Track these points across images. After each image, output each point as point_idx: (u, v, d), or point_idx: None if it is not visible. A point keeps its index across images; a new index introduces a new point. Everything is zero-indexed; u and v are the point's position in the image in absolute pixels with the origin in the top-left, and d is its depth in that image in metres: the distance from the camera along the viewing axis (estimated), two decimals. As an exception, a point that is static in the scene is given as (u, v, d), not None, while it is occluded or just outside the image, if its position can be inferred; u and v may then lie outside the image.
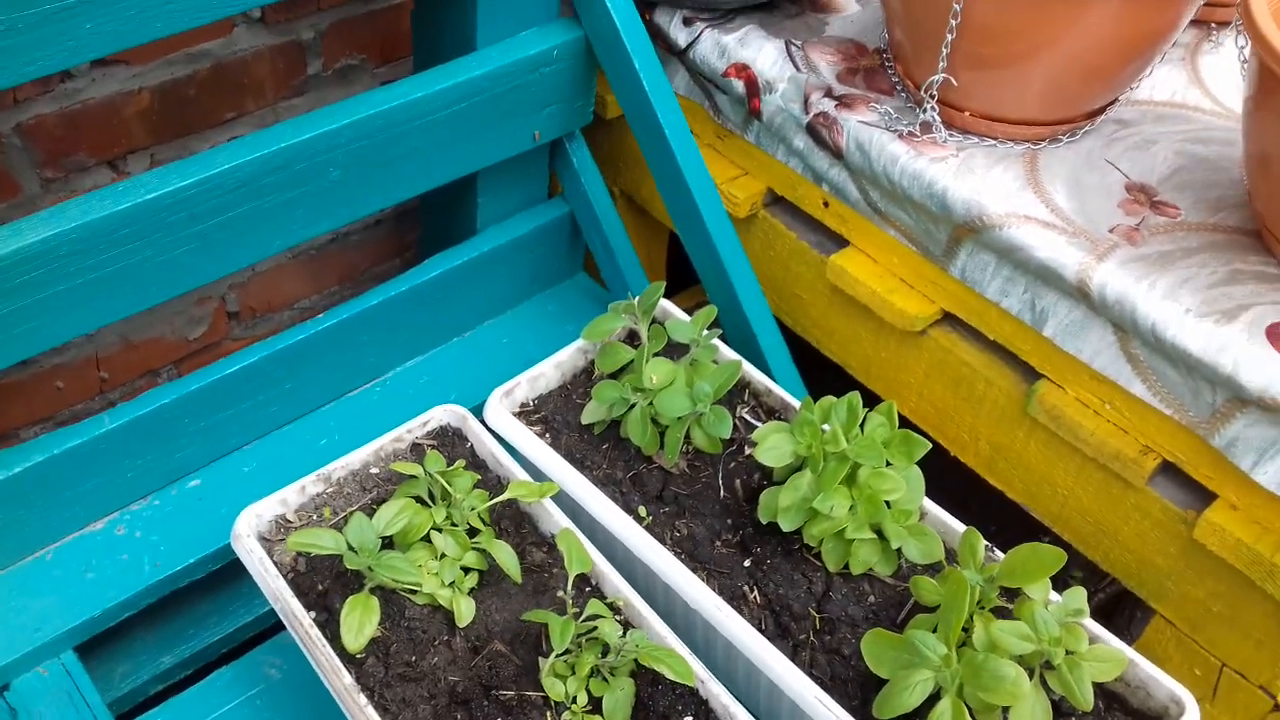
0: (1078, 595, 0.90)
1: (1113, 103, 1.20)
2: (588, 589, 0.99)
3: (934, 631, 0.88)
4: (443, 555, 0.96)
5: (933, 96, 1.14)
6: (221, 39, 1.30)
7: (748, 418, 1.15)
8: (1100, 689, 0.94)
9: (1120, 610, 1.64)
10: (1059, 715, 0.90)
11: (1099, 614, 1.58)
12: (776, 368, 1.27)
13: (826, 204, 1.30)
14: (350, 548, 0.92)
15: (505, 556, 0.96)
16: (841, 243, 1.32)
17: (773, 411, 1.15)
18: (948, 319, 1.24)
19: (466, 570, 0.97)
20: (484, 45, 1.22)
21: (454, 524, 0.97)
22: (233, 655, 1.13)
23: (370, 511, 0.96)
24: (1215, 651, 1.10)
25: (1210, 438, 1.02)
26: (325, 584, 0.97)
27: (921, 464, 1.03)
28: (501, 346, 1.41)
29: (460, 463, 1.02)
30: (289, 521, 1.01)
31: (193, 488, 1.22)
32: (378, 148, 1.15)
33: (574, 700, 0.89)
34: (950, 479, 1.35)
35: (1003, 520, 1.40)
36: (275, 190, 1.10)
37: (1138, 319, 1.01)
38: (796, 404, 1.13)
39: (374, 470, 1.05)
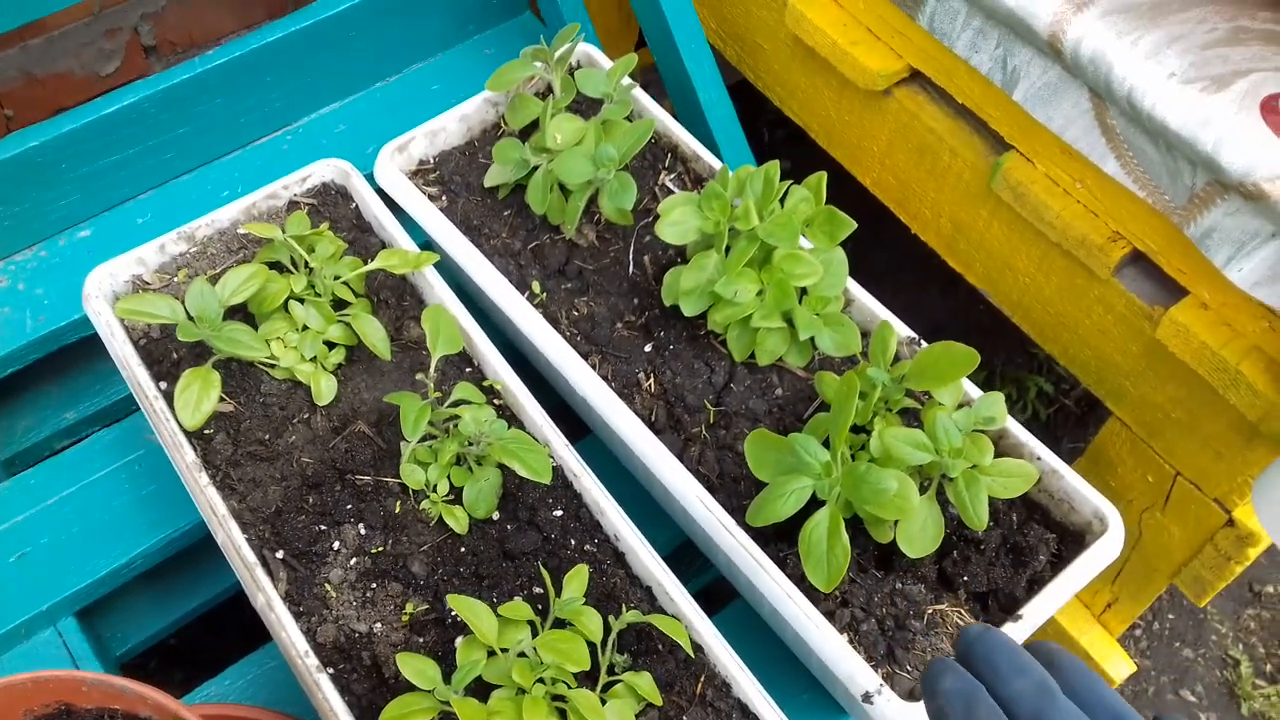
0: (993, 401, 0.80)
1: None
2: (469, 370, 0.90)
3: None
4: (305, 327, 0.87)
5: None
6: None
7: (671, 185, 1.02)
8: (1022, 498, 0.86)
9: (1099, 403, 1.55)
10: (963, 528, 0.82)
11: (1080, 405, 1.48)
12: (719, 127, 1.13)
13: (791, -64, 1.12)
14: (191, 317, 0.83)
15: (371, 332, 0.87)
16: (808, -17, 1.14)
17: (700, 180, 1.03)
18: (916, 78, 1.08)
19: (332, 345, 0.88)
20: None
21: (318, 294, 0.88)
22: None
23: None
24: (1171, 460, 1.01)
25: (1185, 226, 0.88)
26: (180, 353, 0.89)
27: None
28: (430, 94, 1.27)
29: (325, 226, 0.91)
30: (146, 283, 0.92)
31: (83, 239, 1.13)
32: None
33: (434, 488, 0.82)
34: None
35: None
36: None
37: (1113, 83, 0.86)
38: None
39: (243, 231, 0.95)
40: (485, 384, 0.88)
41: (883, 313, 0.93)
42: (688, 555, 1.02)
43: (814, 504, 0.77)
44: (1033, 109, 0.95)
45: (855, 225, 0.90)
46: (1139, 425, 1.02)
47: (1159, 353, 0.95)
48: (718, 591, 1.02)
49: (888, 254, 1.17)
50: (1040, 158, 0.99)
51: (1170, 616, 1.44)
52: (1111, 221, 0.96)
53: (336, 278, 0.88)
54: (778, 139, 1.83)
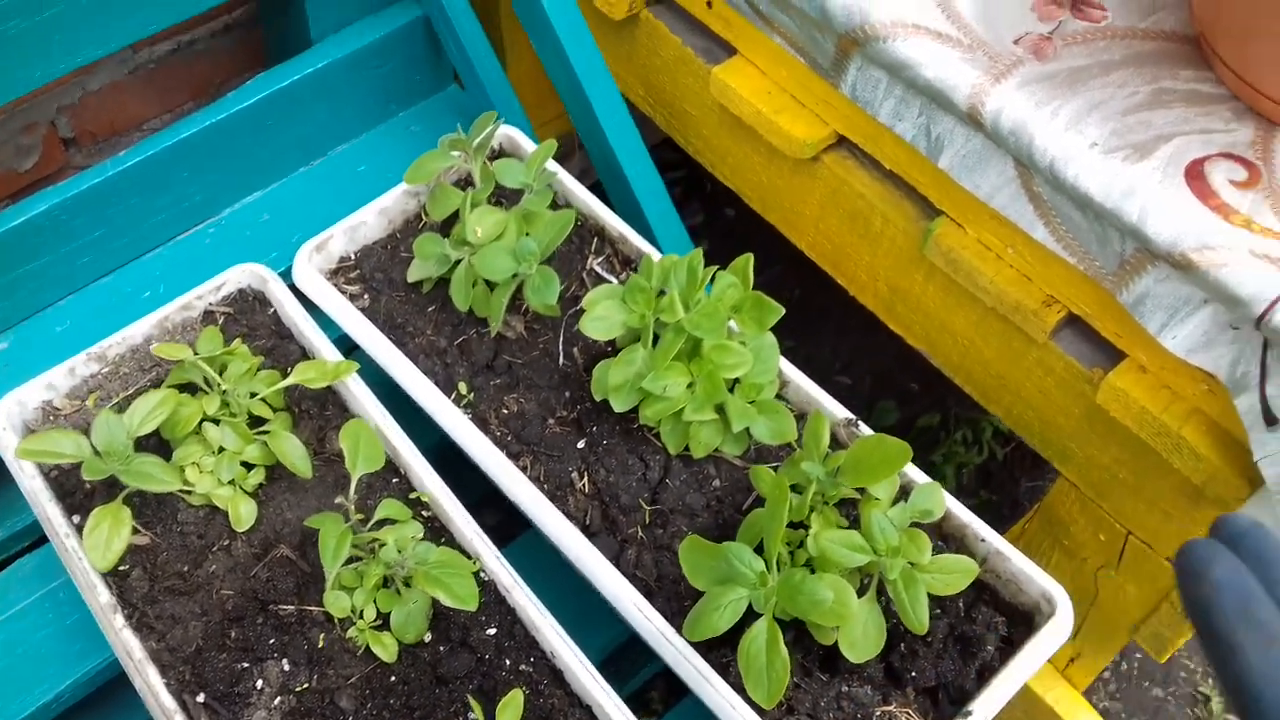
0: (930, 493, 0.78)
1: None
2: (396, 480, 0.87)
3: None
4: (221, 449, 0.84)
5: None
6: None
7: (599, 269, 1.00)
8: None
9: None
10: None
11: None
12: (650, 206, 1.11)
13: (710, 4, 1.11)
14: (98, 451, 0.80)
15: (290, 450, 0.84)
16: (730, 50, 1.13)
17: (629, 262, 1.00)
18: (844, 143, 1.07)
19: (250, 466, 0.85)
20: None
21: (233, 413, 0.85)
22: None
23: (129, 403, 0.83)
24: (1121, 519, 0.99)
25: (1118, 292, 0.87)
26: (94, 483, 0.85)
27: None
28: (357, 176, 1.24)
29: (237, 342, 0.89)
30: (57, 409, 0.89)
31: (0, 351, 1.10)
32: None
33: (360, 615, 0.79)
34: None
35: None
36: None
37: (1035, 154, 0.84)
38: (655, 256, 0.98)
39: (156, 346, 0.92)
40: (413, 496, 0.85)
41: (818, 394, 0.91)
42: (639, 645, 0.99)
43: (753, 613, 0.75)
44: (959, 177, 0.93)
45: (783, 311, 0.88)
46: (1087, 486, 1.00)
47: (1101, 415, 0.93)
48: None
49: (837, 298, 1.15)
50: (971, 223, 0.97)
51: (1138, 656, 1.42)
52: (1045, 286, 0.94)
53: (252, 395, 0.85)
54: (720, 188, 1.81)
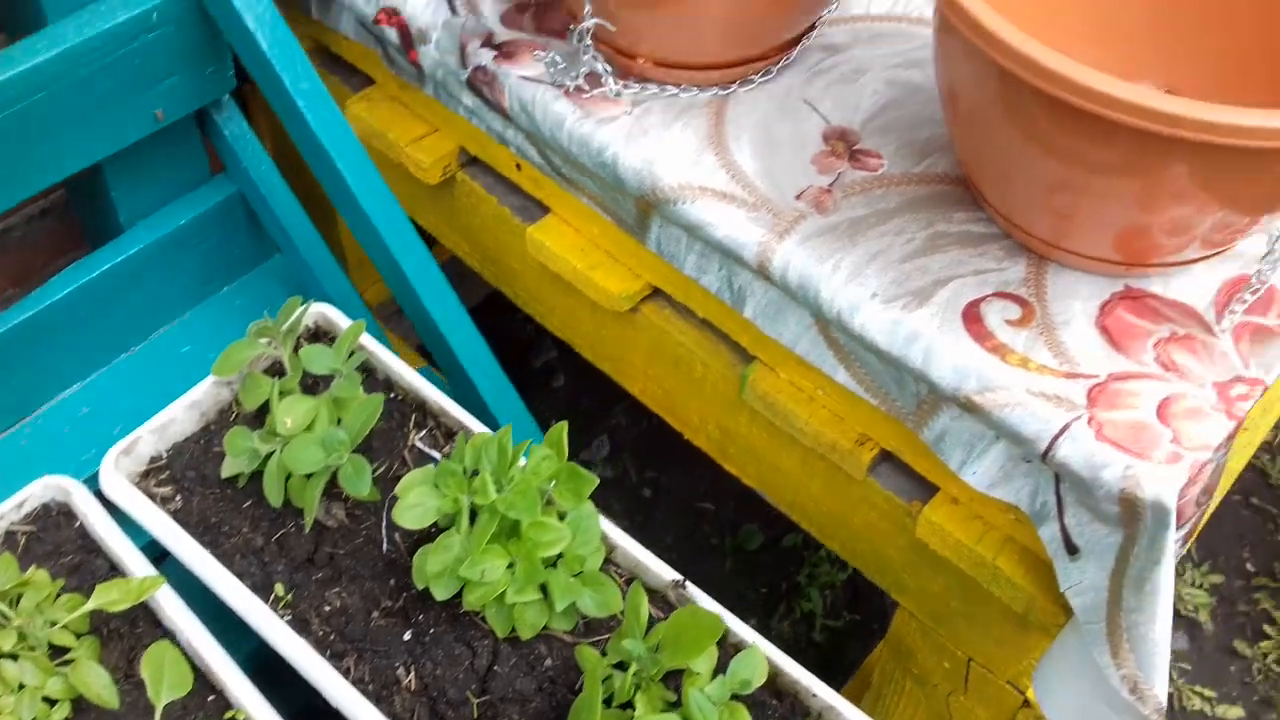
0: (749, 662, 0.78)
1: (816, 24, 1.03)
2: (211, 699, 0.84)
3: (587, 723, 0.76)
4: (21, 686, 0.80)
5: (589, 43, 0.96)
6: None
7: (421, 445, 0.99)
8: (811, 732, 0.84)
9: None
10: (747, 788, 0.79)
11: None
12: (474, 370, 1.11)
13: (519, 166, 1.12)
14: (-124, 710, 0.75)
15: (94, 681, 0.80)
16: (544, 208, 1.14)
17: (452, 435, 1.00)
18: (659, 293, 1.08)
19: (53, 701, 0.81)
20: (55, 19, 0.99)
21: (31, 646, 0.81)
22: None
23: (-79, 647, 0.79)
24: (960, 646, 1.01)
25: (919, 431, 0.89)
26: (-118, 737, 0.80)
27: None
28: (180, 358, 1.22)
29: (33, 569, 0.85)
30: None
31: None
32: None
33: None
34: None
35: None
36: None
37: (822, 306, 0.87)
38: (476, 427, 0.97)
39: (-48, 577, 0.88)
40: (228, 716, 0.82)
41: (644, 558, 0.90)
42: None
43: (579, 807, 0.73)
44: (763, 326, 0.95)
45: (598, 481, 0.87)
46: (924, 614, 1.02)
47: (925, 547, 0.95)
48: None
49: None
50: (781, 367, 0.99)
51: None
52: (857, 425, 0.96)
53: (52, 624, 0.82)
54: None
